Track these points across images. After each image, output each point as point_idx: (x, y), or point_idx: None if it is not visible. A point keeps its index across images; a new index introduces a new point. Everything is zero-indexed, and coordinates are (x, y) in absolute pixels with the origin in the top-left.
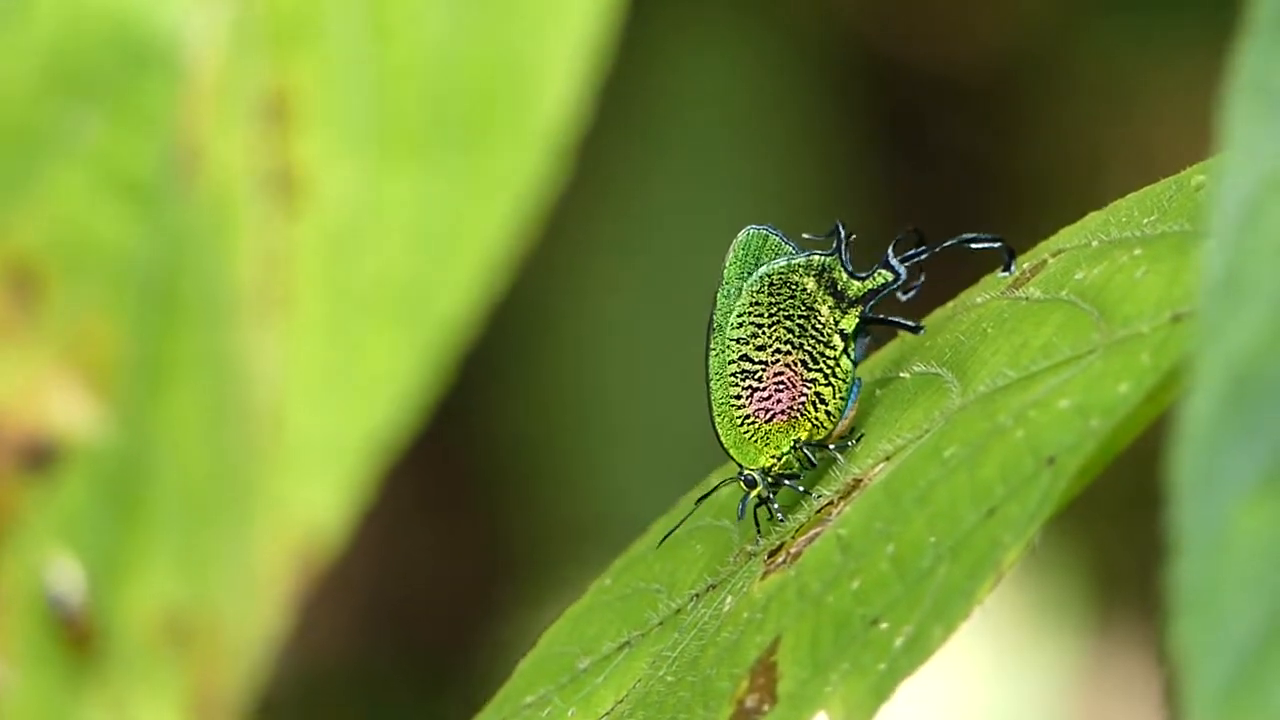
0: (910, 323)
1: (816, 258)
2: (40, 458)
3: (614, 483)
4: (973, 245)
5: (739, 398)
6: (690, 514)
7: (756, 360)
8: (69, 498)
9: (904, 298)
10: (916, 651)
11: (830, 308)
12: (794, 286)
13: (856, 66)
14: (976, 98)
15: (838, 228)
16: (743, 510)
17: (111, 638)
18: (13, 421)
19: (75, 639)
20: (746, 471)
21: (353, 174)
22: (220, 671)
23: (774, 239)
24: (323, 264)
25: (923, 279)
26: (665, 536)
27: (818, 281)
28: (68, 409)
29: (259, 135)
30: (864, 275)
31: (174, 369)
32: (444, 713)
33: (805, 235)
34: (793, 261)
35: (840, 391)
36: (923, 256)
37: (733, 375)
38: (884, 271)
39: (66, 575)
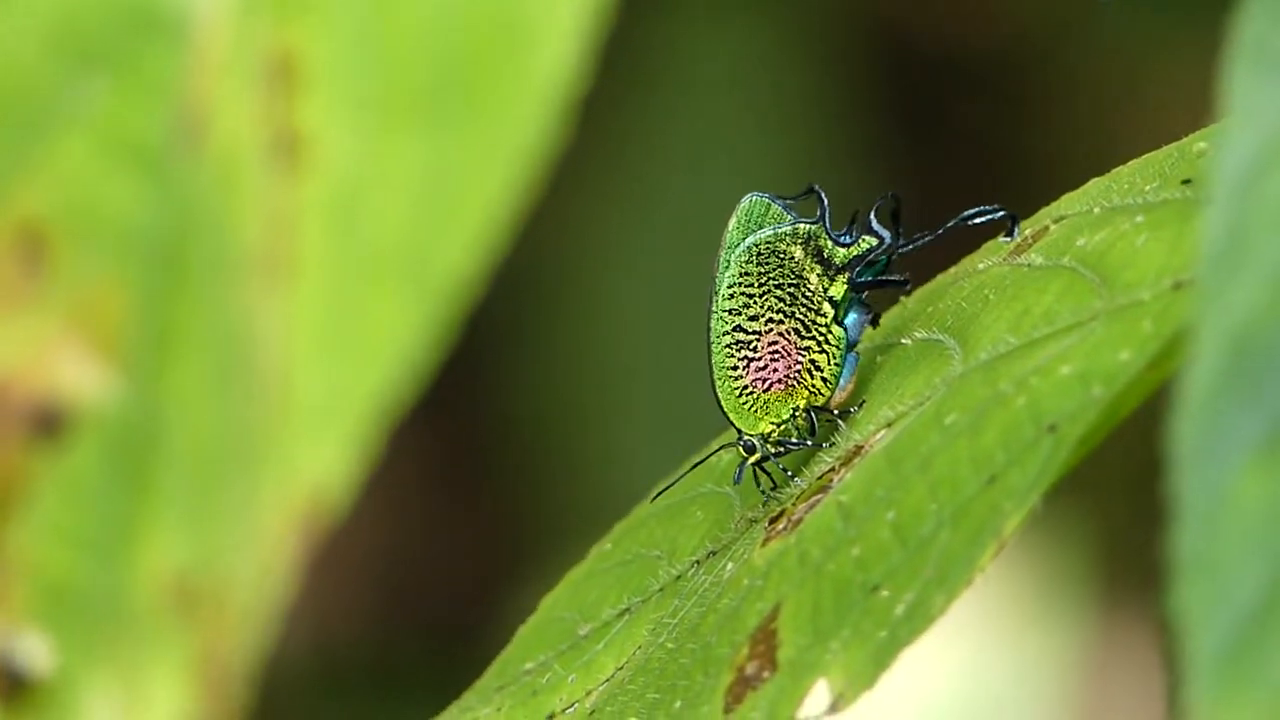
0: (896, 278)
1: (802, 226)
2: (49, 424)
3: (626, 451)
4: (975, 221)
5: (735, 369)
6: (686, 473)
7: (750, 330)
8: (78, 464)
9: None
10: (918, 619)
11: (819, 275)
12: (781, 255)
13: (870, 42)
14: (989, 76)
15: (818, 194)
16: (739, 475)
17: (122, 605)
18: (21, 388)
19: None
20: (746, 437)
21: (356, 136)
22: (229, 636)
23: (775, 207)
24: (327, 227)
25: (907, 247)
26: (659, 493)
27: (804, 250)
28: (76, 375)
29: (264, 99)
30: (849, 241)
31: (182, 334)
32: (455, 683)
33: (790, 198)
34: (779, 231)
35: (835, 358)
36: (928, 240)
37: (728, 346)
38: (868, 237)
39: (32, 651)
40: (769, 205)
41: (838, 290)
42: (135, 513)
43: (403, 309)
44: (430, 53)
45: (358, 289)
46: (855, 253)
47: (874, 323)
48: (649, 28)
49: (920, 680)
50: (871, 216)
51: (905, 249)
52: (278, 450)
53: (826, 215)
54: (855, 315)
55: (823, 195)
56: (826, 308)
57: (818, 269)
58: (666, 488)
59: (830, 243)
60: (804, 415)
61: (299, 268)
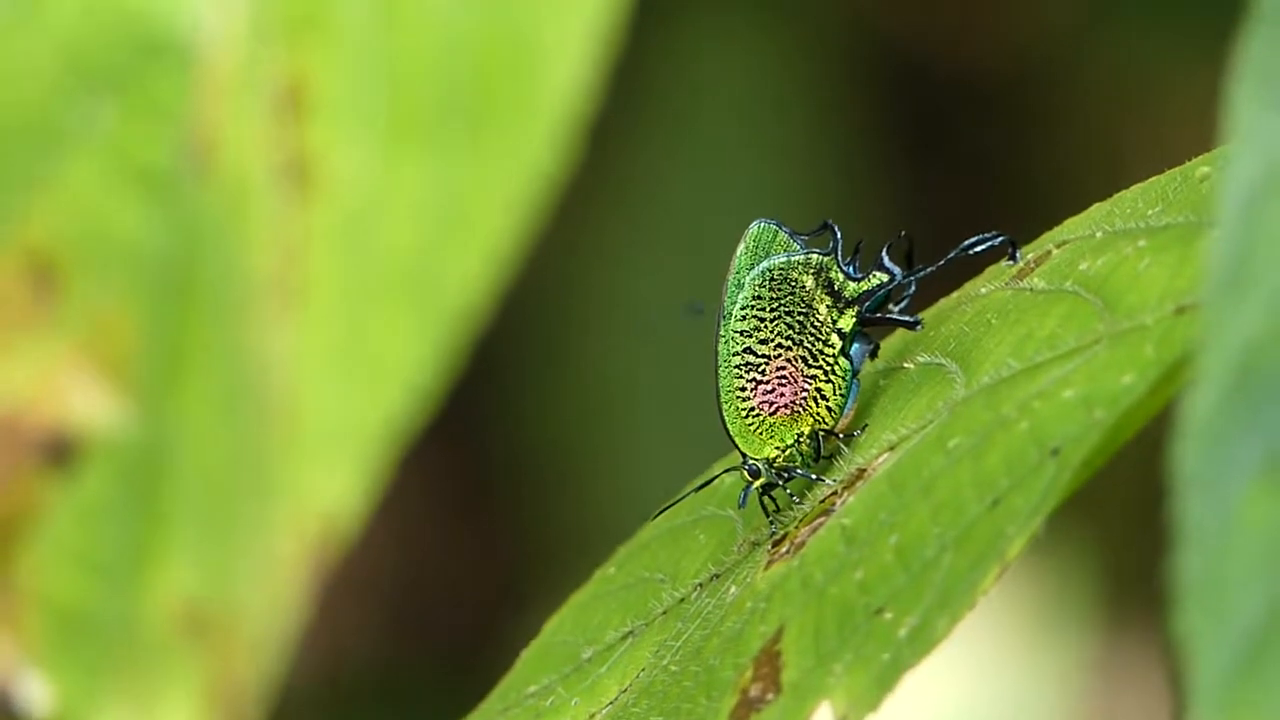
0: (908, 319)
1: (815, 256)
2: (60, 452)
3: (632, 476)
4: (975, 250)
5: (744, 389)
6: (687, 494)
7: (760, 354)
8: (90, 491)
9: (896, 308)
10: (921, 642)
11: (828, 306)
12: (793, 283)
13: (877, 63)
14: (997, 97)
15: (832, 228)
16: (744, 499)
17: (133, 631)
18: (33, 417)
19: None
20: (750, 461)
21: (365, 162)
22: (240, 663)
23: (782, 235)
24: (336, 252)
25: (914, 288)
26: (660, 511)
27: (816, 280)
28: (87, 402)
29: (273, 125)
30: (860, 276)
31: (192, 360)
32: (462, 706)
33: (803, 235)
34: (792, 258)
35: (840, 389)
36: (929, 271)
37: (738, 367)
38: (878, 273)
39: (33, 691)
40: (776, 232)
41: (846, 323)
42: (146, 540)
43: (412, 333)
44: (439, 78)
45: (367, 313)
46: (865, 288)
47: (873, 355)
48: (655, 52)
49: (923, 702)
50: (884, 254)
51: (911, 285)
52: (288, 476)
53: (839, 248)
54: (857, 345)
55: (836, 230)
56: (835, 339)
57: (828, 300)
58: (667, 506)
59: (842, 276)
60: (808, 441)
61: (309, 293)
